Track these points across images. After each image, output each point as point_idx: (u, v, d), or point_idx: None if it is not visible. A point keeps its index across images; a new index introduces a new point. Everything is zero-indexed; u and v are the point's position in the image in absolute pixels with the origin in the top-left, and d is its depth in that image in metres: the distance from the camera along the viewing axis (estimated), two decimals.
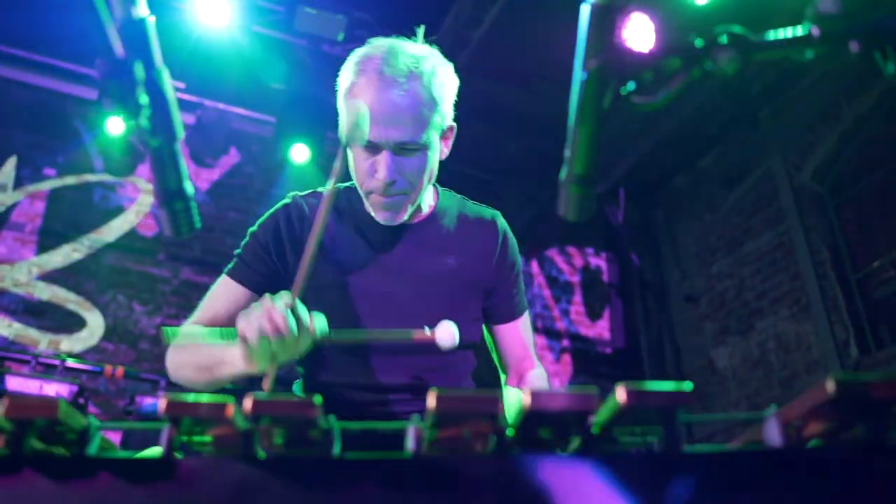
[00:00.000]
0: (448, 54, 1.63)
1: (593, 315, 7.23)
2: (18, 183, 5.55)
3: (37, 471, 0.64)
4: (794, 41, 0.68)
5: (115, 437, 3.65)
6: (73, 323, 5.30)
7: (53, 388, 4.07)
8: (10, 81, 5.71)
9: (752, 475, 0.64)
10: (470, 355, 1.73)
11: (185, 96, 5.95)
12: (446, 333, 1.37)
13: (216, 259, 5.61)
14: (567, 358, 6.86)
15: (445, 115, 1.59)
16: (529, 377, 1.73)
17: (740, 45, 0.67)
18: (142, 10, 0.73)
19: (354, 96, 1.50)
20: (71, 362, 4.82)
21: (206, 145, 6.10)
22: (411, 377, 1.60)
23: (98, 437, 0.73)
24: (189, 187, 0.81)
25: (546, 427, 0.70)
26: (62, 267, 5.44)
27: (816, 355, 5.60)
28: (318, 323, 1.32)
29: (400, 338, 1.51)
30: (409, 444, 0.68)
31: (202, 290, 1.70)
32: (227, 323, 1.51)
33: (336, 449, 0.69)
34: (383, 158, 1.50)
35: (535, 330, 6.97)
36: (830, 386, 0.63)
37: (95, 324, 5.35)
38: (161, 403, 0.67)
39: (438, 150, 1.62)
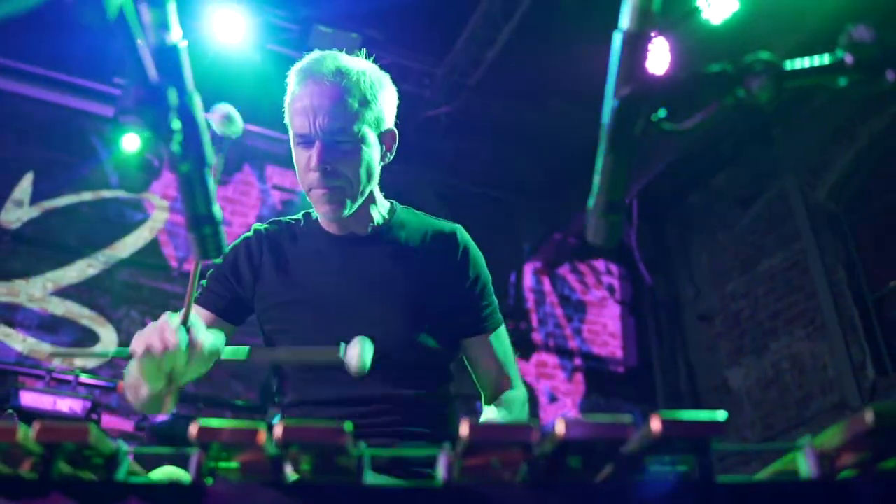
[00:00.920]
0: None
1: (605, 334, 7.19)
2: (35, 198, 5.60)
3: (66, 495, 0.64)
4: (828, 69, 0.68)
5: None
6: (86, 338, 5.32)
7: (67, 404, 4.08)
8: (27, 98, 5.78)
9: None
10: (441, 362, 1.71)
11: None
12: (354, 354, 1.37)
13: None
14: (579, 377, 6.81)
15: (381, 115, 1.66)
16: (504, 399, 1.71)
17: (773, 72, 0.67)
18: (175, 35, 0.74)
19: (292, 103, 1.61)
20: (84, 378, 4.84)
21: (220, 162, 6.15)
22: (381, 388, 1.59)
23: (126, 461, 0.72)
24: (218, 211, 0.82)
25: (577, 456, 0.70)
26: (77, 282, 5.47)
27: (832, 376, 5.53)
28: (210, 340, 1.35)
29: (310, 359, 1.57)
30: (441, 472, 0.68)
31: None
32: None
33: (367, 476, 0.68)
34: (315, 147, 1.57)
35: (547, 348, 6.94)
36: (869, 416, 0.62)
37: (109, 339, 5.37)
38: (192, 429, 0.67)
39: (377, 150, 1.67)
